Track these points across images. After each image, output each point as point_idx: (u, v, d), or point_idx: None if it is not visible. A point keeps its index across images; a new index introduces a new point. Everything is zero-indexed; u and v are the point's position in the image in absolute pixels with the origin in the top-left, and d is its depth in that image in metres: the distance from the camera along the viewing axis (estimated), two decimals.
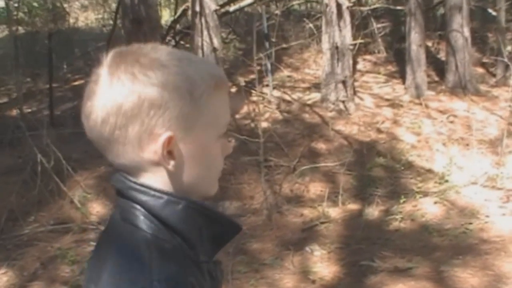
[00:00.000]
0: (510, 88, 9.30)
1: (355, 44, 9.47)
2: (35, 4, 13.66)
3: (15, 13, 11.65)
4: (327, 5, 9.08)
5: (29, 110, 10.29)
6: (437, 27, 11.87)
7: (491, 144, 8.69)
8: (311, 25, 10.99)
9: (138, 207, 1.14)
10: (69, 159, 7.53)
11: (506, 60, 9.98)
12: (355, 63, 11.43)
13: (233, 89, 10.09)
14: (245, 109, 9.44)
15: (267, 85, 10.07)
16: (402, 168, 8.14)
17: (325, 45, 9.28)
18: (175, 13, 10.90)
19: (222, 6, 9.28)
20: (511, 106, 9.62)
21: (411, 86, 9.88)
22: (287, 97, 9.89)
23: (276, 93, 10.00)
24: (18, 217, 6.79)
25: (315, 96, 9.76)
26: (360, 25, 11.51)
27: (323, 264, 5.69)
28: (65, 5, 14.42)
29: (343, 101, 9.28)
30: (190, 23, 8.60)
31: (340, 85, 9.23)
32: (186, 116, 1.11)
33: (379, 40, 11.65)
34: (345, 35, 9.12)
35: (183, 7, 10.05)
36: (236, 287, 5.41)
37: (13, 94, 11.31)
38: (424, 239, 6.01)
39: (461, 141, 8.75)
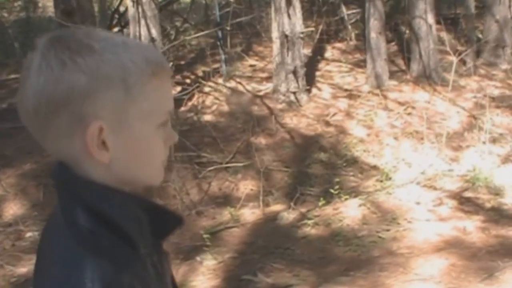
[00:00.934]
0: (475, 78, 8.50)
1: (311, 32, 8.69)
2: None
3: None
4: None
5: None
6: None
7: (448, 139, 7.88)
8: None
9: (76, 200, 1.07)
10: None
11: (474, 47, 9.13)
12: (323, 51, 10.68)
13: (188, 81, 9.46)
14: (192, 101, 8.79)
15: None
16: (344, 164, 7.43)
17: (274, 33, 8.55)
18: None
19: None
20: (476, 97, 8.80)
21: (371, 76, 9.09)
22: (241, 88, 9.18)
23: (232, 83, 9.31)
24: None
25: (269, 87, 9.04)
26: (329, 11, 10.74)
27: (205, 277, 5.05)
28: None
29: (294, 93, 8.55)
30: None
31: (291, 76, 8.50)
32: (118, 105, 1.04)
33: (349, 27, 10.80)
34: (295, 23, 8.38)
35: None
36: None
37: None
38: (327, 249, 5.34)
39: (416, 134, 7.97)
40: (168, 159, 1.18)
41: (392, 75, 9.46)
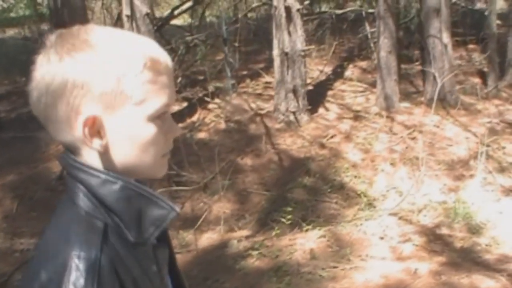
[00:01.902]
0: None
1: (308, 50, 8.10)
2: None
3: None
4: (276, 8, 7.83)
5: None
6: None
7: (451, 166, 7.10)
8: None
9: (79, 185, 1.13)
10: None
11: (497, 70, 8.24)
12: (342, 69, 10.04)
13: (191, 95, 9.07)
14: (193, 118, 8.40)
15: (232, 91, 8.95)
16: (329, 190, 6.79)
17: (275, 51, 8.03)
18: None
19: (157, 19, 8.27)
20: (491, 123, 7.94)
21: (380, 97, 8.38)
22: (246, 106, 8.70)
23: (238, 100, 8.84)
24: None
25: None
26: (350, 28, 10.09)
27: None
28: None
29: (293, 112, 7.99)
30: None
31: (291, 95, 7.95)
32: (108, 96, 1.09)
33: (372, 45, 10.08)
34: (295, 40, 7.83)
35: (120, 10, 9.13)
36: None
37: None
38: (257, 284, 4.77)
39: (415, 161, 7.22)
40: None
41: (407, 96, 8.73)
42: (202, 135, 7.95)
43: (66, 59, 1.07)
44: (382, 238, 5.52)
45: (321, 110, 8.53)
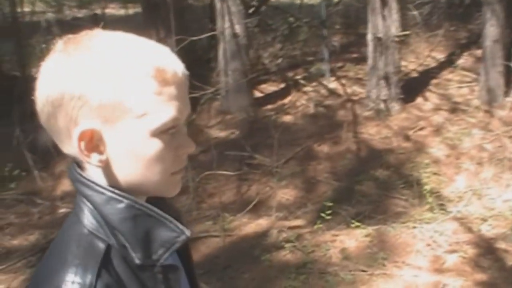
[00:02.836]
0: None
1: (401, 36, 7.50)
2: None
3: None
4: None
5: None
6: None
7: None
8: None
9: (85, 201, 1.06)
10: None
11: None
12: (456, 57, 9.19)
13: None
14: (285, 100, 8.17)
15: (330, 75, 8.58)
16: (402, 186, 6.29)
17: (369, 35, 7.54)
18: None
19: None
20: None
21: (483, 89, 7.58)
22: (341, 91, 8.30)
23: (334, 85, 8.46)
24: None
25: None
26: (467, 13, 9.20)
27: None
28: None
29: (384, 100, 7.49)
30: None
31: (382, 82, 7.45)
32: (107, 108, 1.00)
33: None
34: (389, 25, 7.29)
35: None
36: None
37: None
38: (272, 278, 4.58)
39: (507, 162, 6.46)
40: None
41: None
42: (287, 118, 7.73)
43: (65, 67, 1.01)
44: (429, 245, 5.01)
45: (418, 100, 7.90)
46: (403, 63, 8.13)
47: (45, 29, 10.10)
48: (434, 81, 8.41)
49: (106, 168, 1.05)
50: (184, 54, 7.84)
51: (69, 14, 10.73)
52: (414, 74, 8.56)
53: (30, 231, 5.78)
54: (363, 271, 4.62)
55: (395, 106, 7.53)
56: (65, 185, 6.72)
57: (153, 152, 1.04)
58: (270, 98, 8.24)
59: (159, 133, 1.03)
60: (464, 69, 8.73)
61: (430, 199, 5.98)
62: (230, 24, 7.50)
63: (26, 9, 11.03)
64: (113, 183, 1.06)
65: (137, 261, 1.04)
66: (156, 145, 1.04)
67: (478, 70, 8.35)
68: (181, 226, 1.08)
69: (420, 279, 4.43)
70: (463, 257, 4.79)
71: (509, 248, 4.92)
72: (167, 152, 1.06)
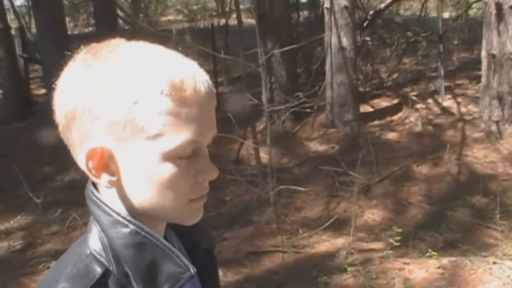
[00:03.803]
0: None
1: None
2: None
3: None
4: (486, 4, 6.79)
5: None
6: None
7: None
8: None
9: (94, 221, 1.00)
10: None
11: None
12: None
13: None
14: (393, 117, 7.81)
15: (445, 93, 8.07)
16: (500, 216, 5.73)
17: (483, 52, 6.98)
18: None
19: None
20: None
21: None
22: (455, 109, 7.77)
23: (449, 103, 7.94)
24: None
25: None
26: None
27: None
28: None
29: (496, 122, 6.89)
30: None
31: (495, 102, 6.87)
32: (118, 126, 0.92)
33: None
34: (505, 41, 6.71)
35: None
36: None
37: None
38: None
39: None
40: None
41: None
42: (391, 135, 7.39)
43: (81, 79, 0.94)
44: (506, 284, 4.50)
45: None
46: None
47: (177, 37, 10.59)
48: None
49: (117, 189, 0.98)
50: (293, 65, 7.82)
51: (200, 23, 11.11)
52: None
53: None
54: None
55: (508, 129, 6.91)
56: None
57: (166, 177, 0.95)
58: (379, 113, 7.94)
59: (173, 157, 0.94)
60: None
61: None
62: (337, 36, 7.32)
63: (163, 18, 11.72)
64: (124, 206, 0.98)
65: None
66: (170, 170, 0.94)
67: None
68: (186, 262, 0.98)
69: None
70: None
71: None
72: (184, 178, 0.96)
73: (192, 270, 0.97)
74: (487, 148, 6.79)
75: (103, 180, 0.95)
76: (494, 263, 4.83)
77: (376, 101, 8.29)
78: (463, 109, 7.71)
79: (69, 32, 12.04)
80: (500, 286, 4.51)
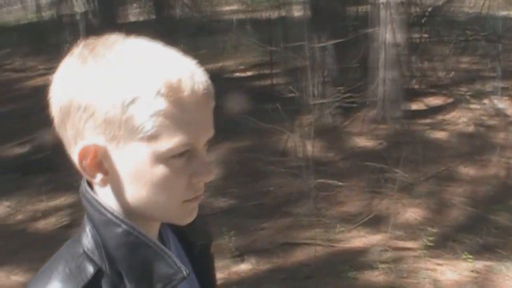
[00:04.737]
0: None
1: None
2: None
3: None
4: None
5: None
6: None
7: None
8: None
9: (88, 219, 1.00)
10: None
11: None
12: None
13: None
14: (446, 116, 7.64)
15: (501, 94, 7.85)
16: None
17: None
18: None
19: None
20: None
21: None
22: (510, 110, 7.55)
23: (505, 104, 7.71)
24: None
25: None
26: None
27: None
28: None
29: None
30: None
31: None
32: (112, 124, 0.91)
33: None
34: None
35: None
36: None
37: None
38: None
39: None
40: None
41: None
42: (441, 134, 7.26)
43: (77, 74, 0.92)
44: None
45: None
46: None
47: (237, 27, 10.72)
48: None
49: (111, 188, 0.97)
50: (345, 59, 7.77)
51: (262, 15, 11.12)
52: None
53: None
54: None
55: None
56: None
57: (160, 178, 0.94)
58: (432, 112, 7.80)
59: (168, 158, 0.93)
60: None
61: None
62: (391, 32, 7.24)
63: (226, 8, 11.87)
64: (118, 205, 0.98)
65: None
66: (164, 171, 0.93)
67: None
68: (179, 264, 0.97)
69: None
70: None
71: None
72: (178, 179, 0.95)
73: (185, 272, 0.97)
74: None
75: (97, 178, 0.95)
76: None
77: (430, 99, 8.15)
78: None
79: (130, 19, 12.39)
80: None
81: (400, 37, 7.28)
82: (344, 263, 4.93)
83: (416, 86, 8.36)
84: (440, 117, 7.65)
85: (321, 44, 6.77)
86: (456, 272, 4.74)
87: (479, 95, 7.95)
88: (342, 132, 7.51)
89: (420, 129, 7.38)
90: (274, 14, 10.70)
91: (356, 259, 5.02)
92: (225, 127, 7.62)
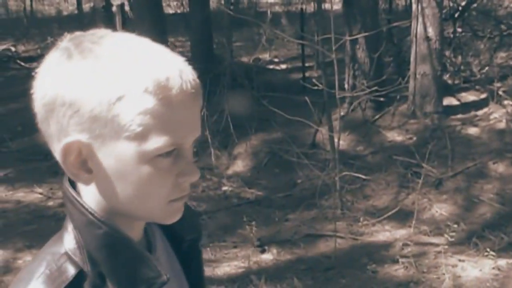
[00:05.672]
0: None
1: None
2: None
3: None
4: None
5: None
6: None
7: None
8: None
9: (70, 219, 0.97)
10: None
11: None
12: None
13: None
14: (480, 111, 7.54)
15: None
16: None
17: None
18: None
19: None
20: None
21: None
22: None
23: None
24: None
25: None
26: None
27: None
28: None
29: None
30: None
31: None
32: (98, 122, 0.88)
33: None
34: None
35: None
36: None
37: None
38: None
39: None
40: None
41: None
42: (472, 130, 7.16)
43: (62, 69, 0.90)
44: None
45: None
46: None
47: (272, 20, 10.75)
48: None
49: (95, 187, 0.94)
50: (377, 53, 7.74)
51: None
52: None
53: (189, 202, 6.31)
54: None
55: None
56: (238, 167, 7.19)
57: (146, 178, 0.92)
58: (464, 107, 7.70)
59: (154, 158, 0.91)
60: None
61: None
62: (423, 26, 7.18)
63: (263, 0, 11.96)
64: (101, 204, 0.95)
65: None
66: (150, 170, 0.91)
67: None
68: (159, 268, 0.96)
69: None
70: None
71: None
72: (163, 179, 0.93)
73: (165, 276, 0.95)
74: None
75: (80, 177, 0.93)
76: None
77: (462, 94, 8.04)
78: None
79: (167, 12, 12.55)
80: None
81: (432, 31, 7.22)
82: (365, 256, 4.97)
83: (449, 81, 8.27)
84: (472, 113, 7.54)
85: (353, 37, 6.75)
86: (477, 269, 4.72)
87: None
88: (372, 126, 7.50)
89: (451, 124, 7.31)
90: (309, 8, 10.73)
91: (377, 253, 5.05)
92: (257, 119, 7.73)
